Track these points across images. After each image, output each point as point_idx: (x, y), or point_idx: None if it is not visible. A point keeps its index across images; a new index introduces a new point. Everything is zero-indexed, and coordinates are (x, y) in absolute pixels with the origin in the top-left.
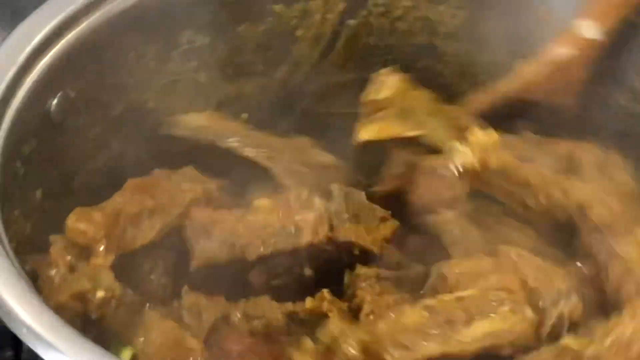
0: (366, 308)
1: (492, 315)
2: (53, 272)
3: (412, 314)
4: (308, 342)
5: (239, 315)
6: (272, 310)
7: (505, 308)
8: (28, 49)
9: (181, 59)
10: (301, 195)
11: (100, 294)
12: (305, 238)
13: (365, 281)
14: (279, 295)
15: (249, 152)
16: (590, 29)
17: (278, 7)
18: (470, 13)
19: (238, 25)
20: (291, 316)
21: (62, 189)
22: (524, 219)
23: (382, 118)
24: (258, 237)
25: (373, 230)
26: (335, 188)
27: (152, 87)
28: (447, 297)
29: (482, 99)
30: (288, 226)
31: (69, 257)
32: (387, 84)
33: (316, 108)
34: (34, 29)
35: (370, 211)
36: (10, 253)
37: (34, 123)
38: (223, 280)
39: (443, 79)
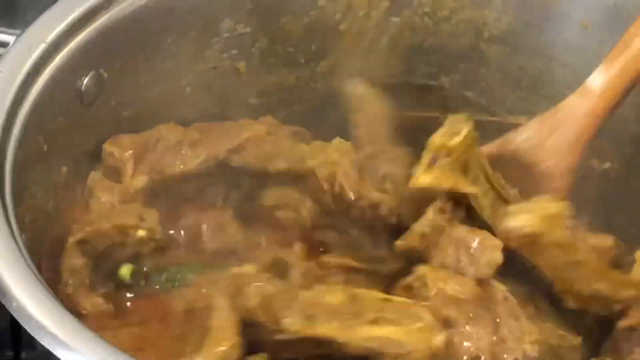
0: None
1: (399, 324)
2: (106, 197)
3: (336, 295)
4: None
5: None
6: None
7: (418, 325)
8: (61, 26)
9: (221, 47)
10: (343, 145)
11: (141, 232)
12: (311, 163)
13: (325, 270)
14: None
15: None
16: (596, 80)
17: (322, 1)
18: (514, 18)
19: (281, 17)
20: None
21: (91, 167)
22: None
23: (445, 166)
24: (284, 153)
25: (364, 185)
26: (367, 149)
27: (190, 72)
28: (378, 294)
29: (490, 149)
30: (306, 153)
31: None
32: (462, 131)
33: None
34: (70, 7)
35: (378, 178)
36: (14, 226)
37: (62, 100)
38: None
39: (485, 82)
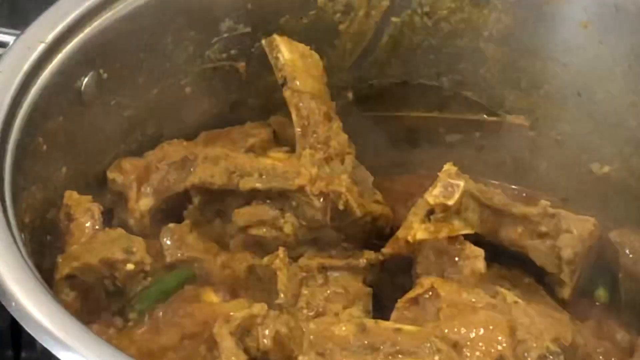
0: (300, 302)
1: (418, 356)
2: (86, 219)
3: (345, 327)
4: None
5: (218, 263)
6: (240, 263)
7: (436, 358)
8: (60, 27)
9: (221, 47)
10: (315, 155)
11: (130, 266)
12: (300, 181)
13: (307, 272)
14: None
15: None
16: None
17: (321, 1)
18: (514, 18)
19: (281, 17)
20: (251, 270)
21: (91, 167)
22: None
23: (441, 218)
24: (257, 171)
25: (365, 200)
26: (349, 159)
27: (190, 72)
28: (387, 324)
29: None
30: (289, 171)
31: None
32: (458, 190)
33: (355, 108)
34: (70, 7)
35: (370, 190)
36: (14, 226)
37: (61, 100)
38: None
39: (484, 82)
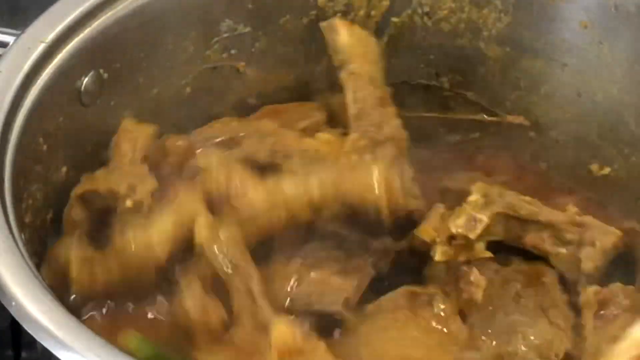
0: None
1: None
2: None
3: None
4: None
5: None
6: None
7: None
8: (60, 27)
9: (221, 47)
10: (359, 141)
11: (129, 203)
12: (374, 195)
13: None
14: None
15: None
16: None
17: (322, 1)
18: (514, 18)
19: (281, 17)
20: None
21: (92, 167)
22: None
23: (462, 245)
24: (299, 154)
25: (403, 197)
26: (392, 149)
27: (190, 72)
28: None
29: None
30: (330, 157)
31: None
32: (482, 224)
33: None
34: (71, 7)
35: (409, 183)
36: (14, 226)
37: (62, 100)
38: None
39: (485, 82)
